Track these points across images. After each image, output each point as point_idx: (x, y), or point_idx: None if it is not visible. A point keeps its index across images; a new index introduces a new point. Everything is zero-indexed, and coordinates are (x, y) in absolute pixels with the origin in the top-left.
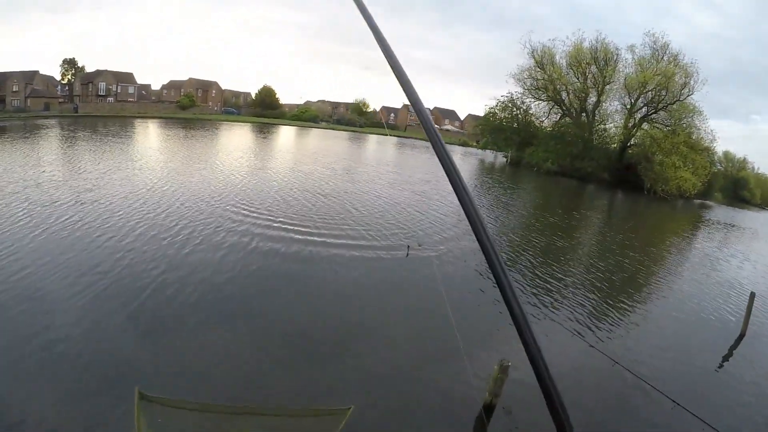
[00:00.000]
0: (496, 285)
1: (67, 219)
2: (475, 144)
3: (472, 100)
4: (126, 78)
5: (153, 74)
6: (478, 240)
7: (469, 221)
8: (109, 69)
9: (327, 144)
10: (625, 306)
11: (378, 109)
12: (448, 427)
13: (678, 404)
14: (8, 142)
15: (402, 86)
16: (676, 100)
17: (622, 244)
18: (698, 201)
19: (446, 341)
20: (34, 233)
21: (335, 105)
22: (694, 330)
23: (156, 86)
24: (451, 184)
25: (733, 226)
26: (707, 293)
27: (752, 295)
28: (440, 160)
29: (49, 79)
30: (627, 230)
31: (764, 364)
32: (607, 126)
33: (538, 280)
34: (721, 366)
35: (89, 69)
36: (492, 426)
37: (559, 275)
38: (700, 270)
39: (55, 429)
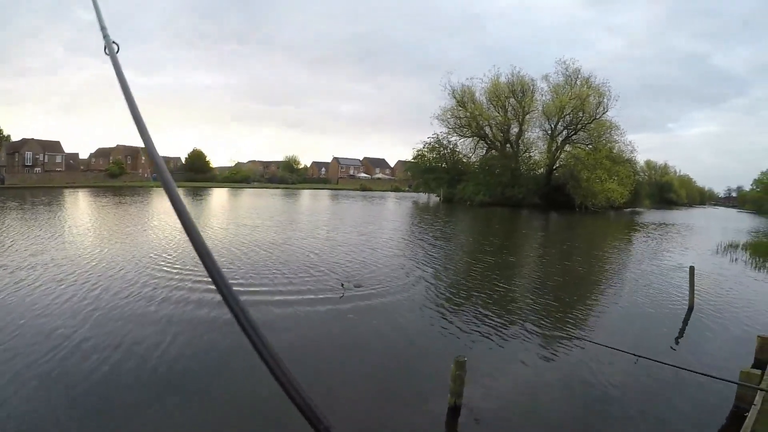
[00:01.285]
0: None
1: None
2: (407, 188)
3: (400, 146)
4: (53, 147)
5: (80, 142)
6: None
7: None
8: (35, 138)
9: (259, 202)
10: (585, 299)
11: (308, 165)
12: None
13: (640, 356)
14: None
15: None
16: (593, 119)
17: (568, 252)
18: (629, 209)
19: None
20: None
21: (266, 164)
22: (649, 309)
23: (84, 155)
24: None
25: (665, 224)
26: (656, 277)
27: (692, 269)
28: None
29: None
30: (568, 241)
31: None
32: (531, 153)
33: (501, 290)
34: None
35: (15, 138)
36: (461, 428)
37: (519, 282)
38: (645, 262)
39: None
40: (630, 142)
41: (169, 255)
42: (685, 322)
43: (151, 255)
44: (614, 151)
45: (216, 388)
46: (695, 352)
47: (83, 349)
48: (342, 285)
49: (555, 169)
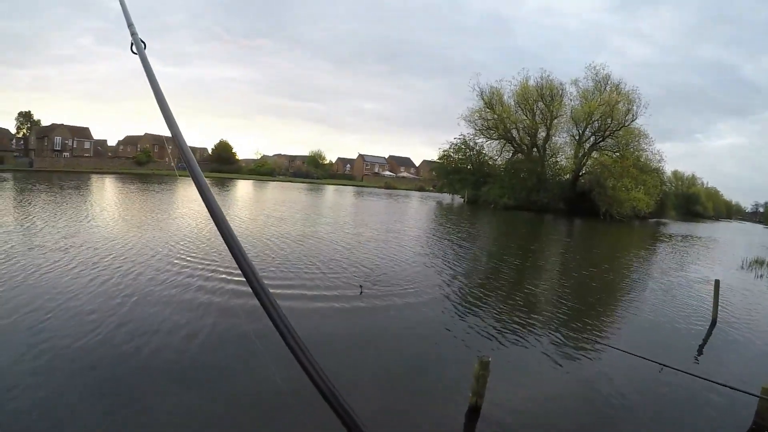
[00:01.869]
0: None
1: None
2: (431, 188)
3: (425, 146)
4: (82, 132)
5: (109, 129)
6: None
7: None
8: (64, 123)
9: (285, 195)
10: (610, 305)
11: (333, 161)
12: None
13: (665, 365)
14: None
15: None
16: (622, 126)
17: (593, 259)
18: (653, 220)
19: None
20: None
21: (291, 158)
22: (672, 320)
23: (112, 142)
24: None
25: (691, 236)
26: (680, 289)
27: (717, 283)
28: (198, 189)
29: (4, 133)
30: (593, 247)
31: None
32: (558, 158)
33: (525, 293)
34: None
35: (45, 123)
36: (480, 429)
37: (543, 286)
38: (670, 273)
39: None
40: (658, 151)
41: (202, 243)
42: (708, 335)
43: (184, 242)
44: (642, 160)
45: (251, 382)
46: (717, 366)
47: (120, 333)
48: (361, 287)
49: (581, 175)
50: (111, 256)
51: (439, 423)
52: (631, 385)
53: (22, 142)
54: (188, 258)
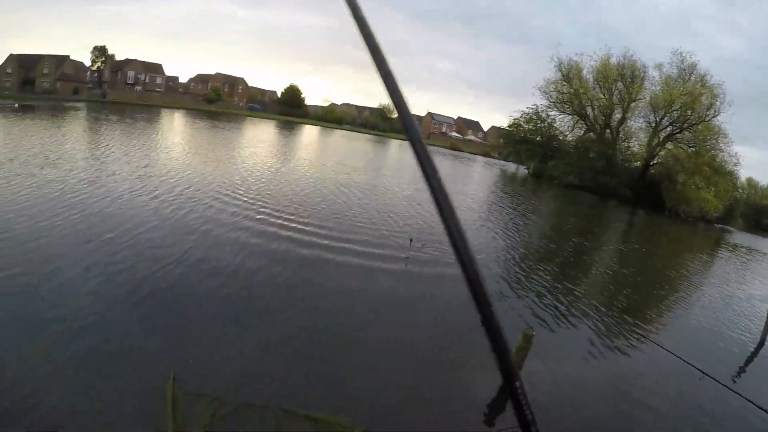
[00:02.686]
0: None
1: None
2: (497, 155)
3: (494, 113)
4: (154, 68)
5: (181, 67)
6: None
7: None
8: (138, 58)
9: (350, 144)
10: (660, 302)
11: None
12: (466, 405)
13: (707, 374)
14: (36, 121)
15: (387, 87)
16: (702, 121)
17: (651, 253)
18: (719, 225)
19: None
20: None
21: (360, 109)
22: (721, 331)
23: (184, 79)
24: (429, 186)
25: (757, 251)
26: (736, 302)
27: None
28: (420, 161)
29: (79, 65)
30: (653, 241)
31: None
32: (630, 143)
33: (578, 276)
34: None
35: (119, 57)
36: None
37: (597, 271)
38: (729, 284)
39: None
40: (735, 153)
41: (269, 184)
42: (753, 355)
43: (253, 181)
44: (717, 160)
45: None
46: (756, 387)
47: (199, 268)
48: (410, 241)
49: (652, 165)
50: (192, 189)
51: (471, 389)
52: (668, 388)
53: (96, 75)
54: (272, 198)
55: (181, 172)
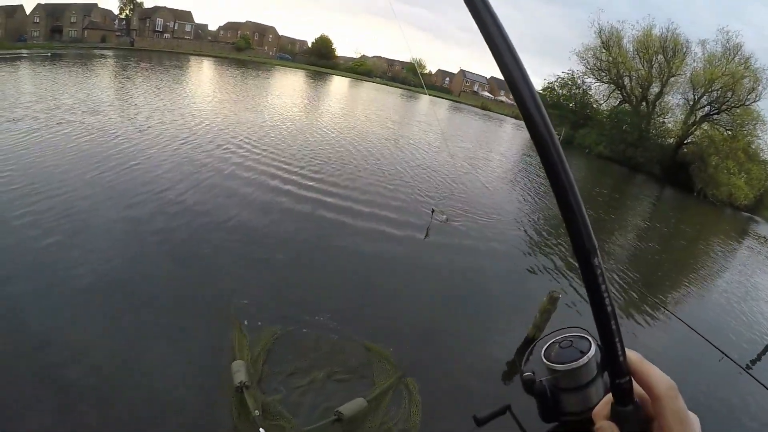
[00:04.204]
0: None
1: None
2: None
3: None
4: (184, 16)
5: (211, 15)
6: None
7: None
8: (167, 6)
9: (378, 96)
10: (683, 280)
11: (433, 72)
12: (487, 358)
13: (727, 356)
14: (64, 69)
15: (494, 54)
16: (741, 104)
17: (678, 232)
18: (747, 214)
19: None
20: None
21: (391, 62)
22: (743, 317)
23: (213, 27)
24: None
25: None
26: (761, 291)
27: None
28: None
29: (107, 13)
30: (680, 222)
31: None
32: (665, 119)
33: (603, 247)
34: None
35: (147, 5)
36: (525, 358)
37: (621, 243)
38: (755, 273)
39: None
40: None
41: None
42: None
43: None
44: (752, 146)
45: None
46: None
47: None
48: (432, 211)
49: (685, 144)
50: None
51: (495, 345)
52: (686, 364)
53: (124, 23)
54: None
55: (212, 122)
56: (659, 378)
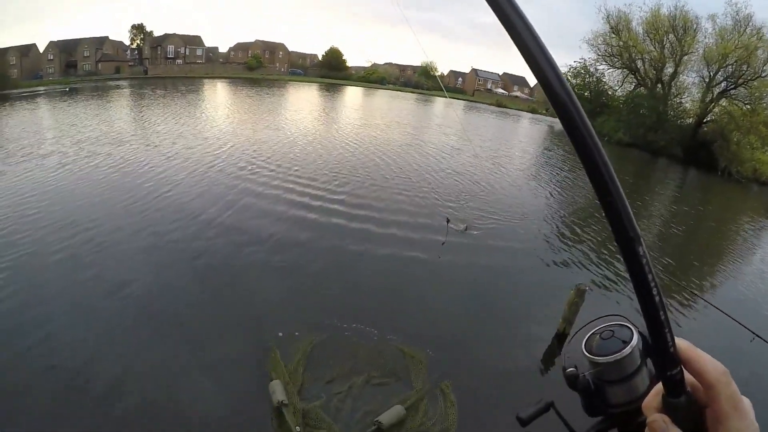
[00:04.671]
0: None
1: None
2: (544, 111)
3: None
4: (194, 41)
5: (220, 37)
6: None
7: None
8: (177, 33)
9: (393, 103)
10: (710, 262)
11: (445, 73)
12: (520, 355)
13: (759, 336)
14: (82, 102)
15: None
16: (758, 76)
17: (703, 214)
18: None
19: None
20: None
21: (402, 68)
22: None
23: (223, 49)
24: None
25: None
26: None
27: None
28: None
29: (119, 44)
30: (706, 203)
31: None
32: (683, 99)
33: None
34: None
35: (157, 33)
36: (564, 354)
37: (646, 229)
38: None
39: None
40: None
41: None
42: None
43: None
44: None
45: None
46: None
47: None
48: (447, 221)
49: (704, 122)
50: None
51: (526, 342)
52: (716, 347)
53: (136, 53)
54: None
55: (234, 143)
56: (711, 365)
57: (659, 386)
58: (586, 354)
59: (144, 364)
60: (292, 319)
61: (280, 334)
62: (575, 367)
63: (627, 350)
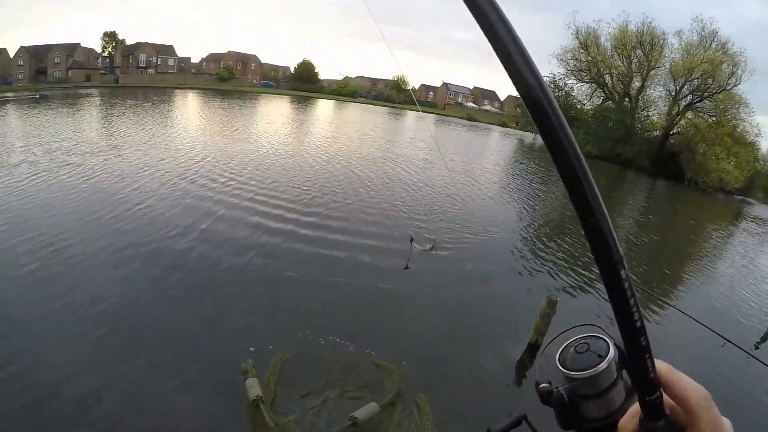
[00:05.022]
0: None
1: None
2: (514, 125)
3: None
4: (166, 50)
5: (193, 47)
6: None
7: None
8: (149, 42)
9: (364, 116)
10: (681, 271)
11: (416, 87)
12: (493, 367)
13: (729, 341)
14: (52, 110)
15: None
16: (722, 90)
17: (671, 223)
18: (739, 197)
19: None
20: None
21: (374, 81)
22: (744, 302)
23: (196, 59)
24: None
25: None
26: (760, 273)
27: None
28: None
29: (90, 52)
30: (672, 212)
31: None
32: (650, 113)
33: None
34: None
35: (129, 41)
36: (537, 363)
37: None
38: (752, 255)
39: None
40: (757, 124)
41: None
42: None
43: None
44: (738, 130)
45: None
46: None
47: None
48: (411, 240)
49: (671, 135)
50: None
51: (499, 354)
52: (689, 353)
53: (108, 61)
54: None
55: (206, 155)
56: (692, 390)
57: (636, 408)
58: (560, 368)
59: (114, 380)
60: (265, 333)
61: (252, 349)
62: (549, 382)
63: (603, 365)
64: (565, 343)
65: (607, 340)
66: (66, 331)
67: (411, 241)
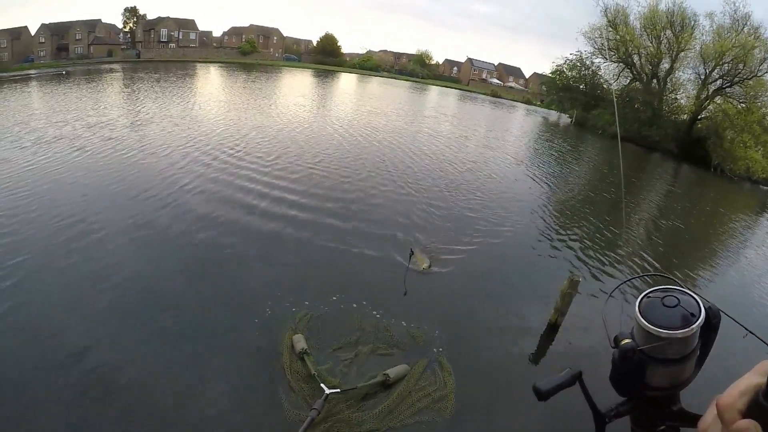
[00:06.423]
0: None
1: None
2: (539, 103)
3: (536, 59)
4: (187, 24)
5: (215, 21)
6: None
7: None
8: (170, 16)
9: (387, 90)
10: (702, 257)
11: (440, 62)
12: (509, 346)
13: (751, 332)
14: (77, 85)
15: None
16: (753, 76)
17: (695, 209)
18: (765, 187)
19: None
20: None
21: (397, 56)
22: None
23: (217, 33)
24: None
25: None
26: None
27: None
28: None
29: (111, 27)
30: (697, 198)
31: None
32: (678, 95)
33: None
34: None
35: (150, 16)
36: (555, 347)
37: (638, 222)
38: None
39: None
40: None
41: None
42: None
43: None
44: (767, 119)
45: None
46: None
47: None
48: (411, 254)
49: (699, 119)
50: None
51: (518, 333)
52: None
53: (129, 36)
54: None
55: (233, 128)
56: None
57: (749, 383)
58: (644, 323)
59: (139, 354)
60: (300, 294)
61: (294, 309)
62: (632, 337)
63: (695, 326)
64: (648, 292)
65: (696, 297)
66: (87, 304)
67: (411, 254)
